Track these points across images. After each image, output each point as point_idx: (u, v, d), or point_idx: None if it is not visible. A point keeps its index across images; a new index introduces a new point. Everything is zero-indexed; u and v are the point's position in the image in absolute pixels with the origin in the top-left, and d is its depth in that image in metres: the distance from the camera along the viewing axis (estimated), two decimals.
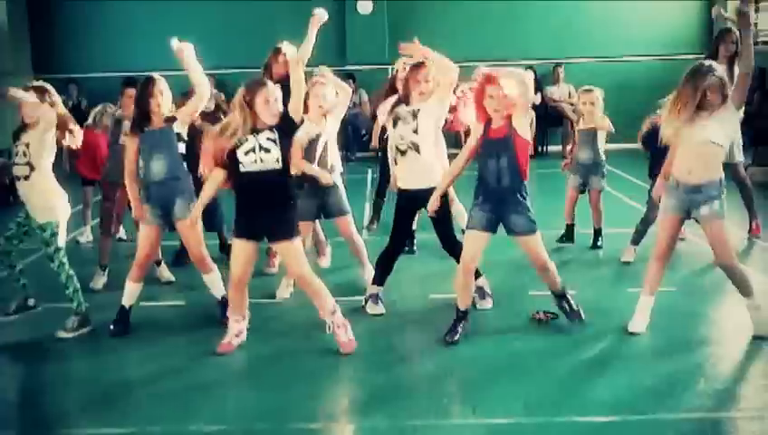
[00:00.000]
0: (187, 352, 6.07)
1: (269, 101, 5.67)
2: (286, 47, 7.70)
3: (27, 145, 6.25)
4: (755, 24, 15.19)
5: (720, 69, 5.84)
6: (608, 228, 8.79)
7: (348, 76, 15.27)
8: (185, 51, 6.19)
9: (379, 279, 6.85)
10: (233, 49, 15.55)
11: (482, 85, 5.89)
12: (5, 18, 15.96)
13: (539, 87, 15.33)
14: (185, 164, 6.47)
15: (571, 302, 6.25)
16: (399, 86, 7.00)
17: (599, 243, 8.71)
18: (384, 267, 6.83)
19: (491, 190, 5.92)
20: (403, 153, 6.62)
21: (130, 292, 6.44)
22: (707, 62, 5.90)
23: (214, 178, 5.88)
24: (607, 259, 8.33)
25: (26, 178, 6.27)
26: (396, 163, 6.74)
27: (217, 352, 5.91)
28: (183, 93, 7.92)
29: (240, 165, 5.70)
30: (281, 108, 5.73)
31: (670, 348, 5.90)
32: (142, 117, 6.35)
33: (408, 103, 6.60)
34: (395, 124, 6.64)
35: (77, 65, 16.30)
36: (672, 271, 6.72)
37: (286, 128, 5.75)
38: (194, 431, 4.86)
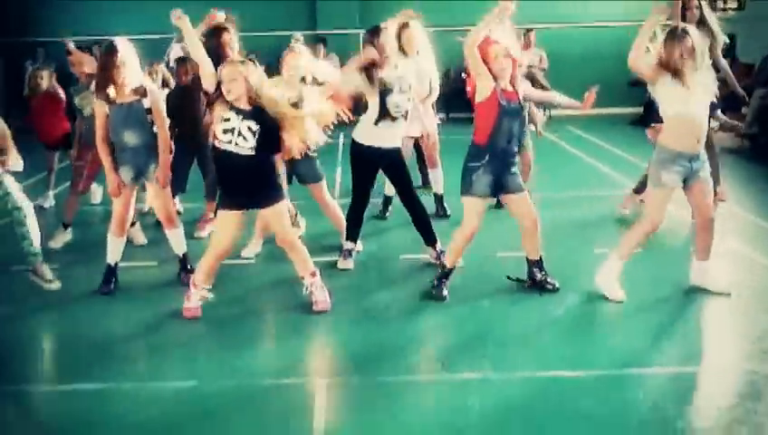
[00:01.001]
0: (159, 311, 6.14)
1: (226, 82, 5.70)
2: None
3: None
4: None
5: (695, 33, 5.85)
6: (577, 191, 8.91)
7: (319, 41, 15.28)
8: (184, 25, 6.04)
9: (350, 234, 7.02)
10: (203, 13, 15.44)
11: (484, 50, 5.92)
12: None
13: None
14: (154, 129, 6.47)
15: (545, 272, 6.34)
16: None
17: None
18: (352, 222, 7.01)
19: (500, 152, 6.01)
20: (394, 119, 6.74)
21: (114, 247, 6.54)
22: (682, 25, 5.97)
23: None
24: (573, 221, 8.43)
25: None
26: (376, 125, 6.76)
27: (185, 316, 5.98)
28: (182, 58, 7.92)
29: (216, 139, 5.77)
30: (238, 90, 5.67)
31: (634, 308, 6.02)
32: (107, 87, 6.24)
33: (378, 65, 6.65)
34: (387, 93, 6.68)
35: (46, 28, 16.12)
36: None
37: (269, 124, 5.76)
38: (165, 388, 4.94)
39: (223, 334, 5.79)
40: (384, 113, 6.71)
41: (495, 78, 5.92)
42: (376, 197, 7.71)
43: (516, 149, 6.13)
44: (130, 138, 6.34)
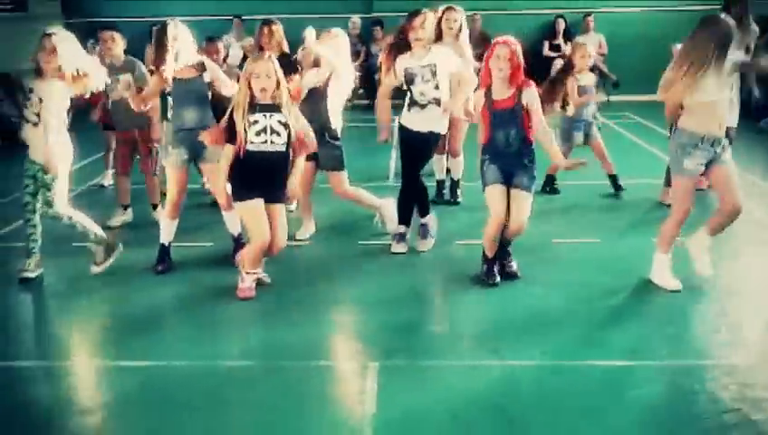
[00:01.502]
0: (212, 291, 6.21)
1: (259, 78, 5.78)
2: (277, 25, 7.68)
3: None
4: None
5: (731, 23, 5.74)
6: (636, 179, 8.84)
7: (375, 23, 15.28)
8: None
9: (402, 219, 7.03)
10: None
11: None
12: None
13: (568, 37, 15.25)
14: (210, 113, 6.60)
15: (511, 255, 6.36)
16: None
17: (620, 191, 8.79)
18: (404, 207, 7.03)
19: (501, 151, 6.11)
20: (423, 107, 6.77)
21: (167, 228, 6.67)
22: (721, 15, 5.87)
23: (226, 156, 5.95)
24: (629, 207, 8.35)
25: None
26: (409, 111, 6.85)
27: (239, 296, 6.04)
28: (209, 38, 7.97)
29: (249, 143, 5.84)
30: (272, 85, 5.81)
31: (684, 298, 5.95)
32: (161, 62, 6.33)
33: (407, 49, 6.73)
34: (412, 82, 6.74)
35: (108, 8, 16.29)
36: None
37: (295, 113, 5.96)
38: (218, 367, 5.01)
39: (274, 315, 5.82)
40: (413, 100, 6.79)
41: (491, 83, 6.03)
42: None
43: (521, 148, 6.07)
44: (190, 116, 6.44)
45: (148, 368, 5.00)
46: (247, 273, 6.07)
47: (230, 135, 5.89)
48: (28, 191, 6.35)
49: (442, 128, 6.99)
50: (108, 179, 9.64)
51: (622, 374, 4.81)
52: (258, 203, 5.93)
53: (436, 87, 6.72)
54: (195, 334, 5.54)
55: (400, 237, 7.02)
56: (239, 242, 6.71)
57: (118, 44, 7.80)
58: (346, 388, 4.76)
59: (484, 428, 4.23)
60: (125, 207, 8.11)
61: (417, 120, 6.81)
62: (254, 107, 5.84)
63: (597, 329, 5.47)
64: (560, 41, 15.59)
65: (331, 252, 7.01)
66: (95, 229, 6.55)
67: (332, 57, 6.93)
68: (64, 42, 6.17)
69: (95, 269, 6.53)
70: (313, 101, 6.94)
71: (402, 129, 6.94)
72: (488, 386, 4.70)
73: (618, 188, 8.77)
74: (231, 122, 5.87)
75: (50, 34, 6.16)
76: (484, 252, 6.25)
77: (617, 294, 6.02)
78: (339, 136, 7.18)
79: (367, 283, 6.38)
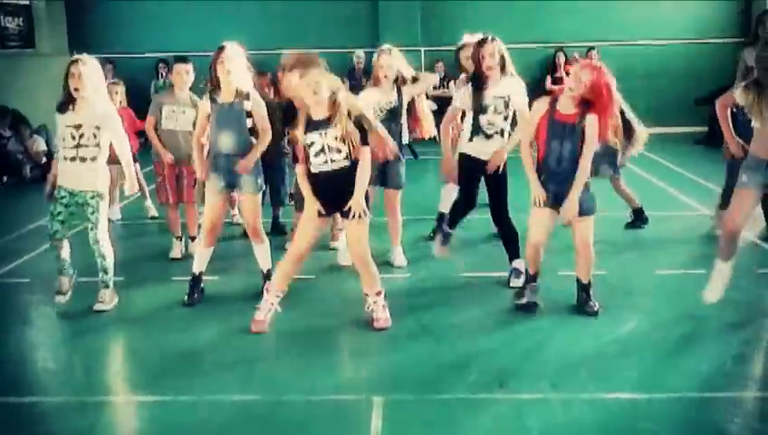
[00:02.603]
0: (232, 325, 6.17)
1: (310, 89, 5.69)
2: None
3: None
4: None
5: None
6: (648, 212, 8.88)
7: None
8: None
9: (450, 223, 7.17)
10: (267, 31, 15.68)
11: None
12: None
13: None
14: (252, 138, 6.52)
15: (591, 295, 6.28)
16: (380, 74, 7.14)
17: (642, 222, 8.75)
18: (454, 215, 7.15)
19: (551, 169, 6.07)
20: (489, 137, 6.79)
21: (201, 257, 6.64)
22: None
23: (301, 176, 5.92)
24: (636, 241, 8.35)
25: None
26: (471, 141, 6.85)
27: (252, 330, 6.01)
28: (260, 71, 8.00)
29: (311, 165, 5.80)
30: (324, 97, 5.69)
31: (693, 329, 5.95)
32: (213, 85, 6.41)
33: (482, 80, 6.71)
34: (483, 111, 6.73)
35: (112, 45, 16.44)
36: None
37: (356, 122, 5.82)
38: (224, 401, 4.97)
39: (285, 349, 5.82)
40: (477, 130, 6.78)
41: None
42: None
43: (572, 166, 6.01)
44: (227, 140, 6.37)
45: (158, 403, 4.97)
46: (268, 291, 6.06)
47: (294, 155, 5.93)
48: (59, 219, 6.35)
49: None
50: (116, 214, 9.65)
51: (628, 407, 4.77)
52: (314, 219, 5.90)
53: (505, 118, 6.78)
54: (204, 369, 5.48)
55: (446, 238, 7.19)
56: (268, 276, 6.58)
57: (191, 78, 7.79)
58: (352, 423, 4.69)
59: None
60: (180, 238, 8.11)
61: (482, 149, 6.84)
62: (308, 126, 5.75)
63: (606, 362, 5.42)
64: (561, 74, 15.69)
65: (344, 285, 7.03)
66: (112, 270, 6.54)
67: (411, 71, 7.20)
68: (92, 68, 6.27)
69: (99, 307, 6.48)
70: (387, 122, 6.98)
71: (461, 154, 6.97)
72: (497, 421, 4.67)
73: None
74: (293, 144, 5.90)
75: (77, 60, 6.24)
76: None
77: (621, 326, 6.01)
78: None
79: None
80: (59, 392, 5.26)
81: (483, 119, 6.75)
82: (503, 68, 6.75)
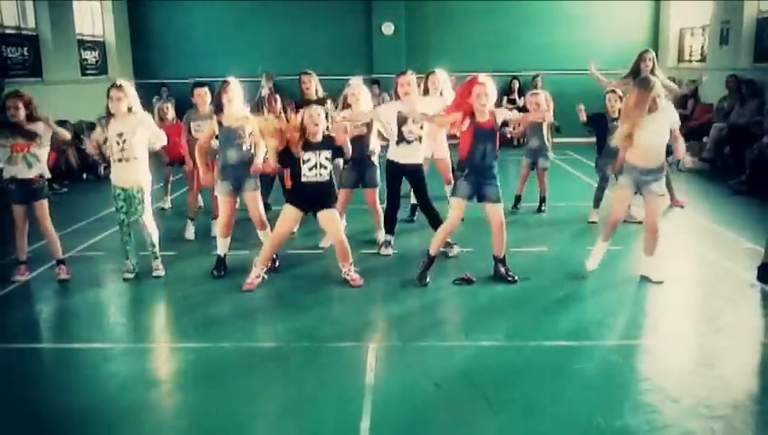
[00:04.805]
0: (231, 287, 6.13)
1: (311, 120, 5.87)
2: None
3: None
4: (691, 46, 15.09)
5: (658, 83, 5.88)
6: (574, 202, 8.83)
7: (374, 82, 15.33)
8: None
9: (388, 229, 7.11)
10: (284, 61, 15.65)
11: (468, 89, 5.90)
12: (112, 36, 16.08)
13: (521, 92, 15.27)
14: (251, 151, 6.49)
15: (507, 267, 6.22)
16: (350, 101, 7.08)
17: (543, 208, 8.79)
18: (389, 220, 7.09)
19: (475, 166, 5.96)
20: (409, 142, 6.79)
21: (221, 244, 6.62)
22: (651, 77, 5.96)
23: (272, 149, 5.98)
24: (567, 221, 8.31)
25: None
26: (397, 146, 6.84)
27: (243, 289, 6.04)
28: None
29: (303, 175, 5.92)
30: (321, 126, 5.88)
31: (612, 290, 5.96)
32: (218, 109, 6.40)
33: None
34: (405, 123, 6.74)
35: (167, 72, 16.38)
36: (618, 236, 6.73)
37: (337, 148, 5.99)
38: (252, 348, 4.99)
39: (297, 306, 5.77)
40: (401, 137, 6.80)
41: (474, 112, 5.87)
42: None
43: (491, 164, 5.97)
44: (232, 155, 6.37)
45: (200, 348, 4.98)
46: (255, 266, 6.12)
47: (285, 161, 6.02)
48: (123, 211, 6.37)
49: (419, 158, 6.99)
50: (168, 203, 9.61)
51: (564, 352, 4.78)
52: (293, 209, 6.01)
53: (422, 127, 6.78)
54: (224, 321, 5.47)
55: (388, 243, 7.12)
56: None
57: (209, 98, 7.79)
58: (351, 364, 4.70)
59: (459, 393, 4.22)
60: (192, 219, 8.04)
61: (405, 154, 6.86)
62: (306, 146, 5.88)
63: (546, 317, 5.43)
64: (515, 96, 15.67)
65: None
66: (158, 245, 6.55)
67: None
68: (126, 90, 6.27)
69: (128, 276, 6.48)
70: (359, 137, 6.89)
71: (388, 161, 7.00)
72: (463, 362, 4.68)
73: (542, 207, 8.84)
74: (287, 154, 5.95)
75: (114, 86, 6.27)
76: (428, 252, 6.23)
77: (556, 288, 6.00)
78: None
79: (365, 281, 6.26)
80: (125, 340, 5.26)
81: (404, 128, 6.77)
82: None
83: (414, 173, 6.92)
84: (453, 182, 8.13)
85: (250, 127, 6.32)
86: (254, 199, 6.48)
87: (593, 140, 8.32)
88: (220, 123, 6.38)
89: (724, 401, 4.05)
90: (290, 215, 6.05)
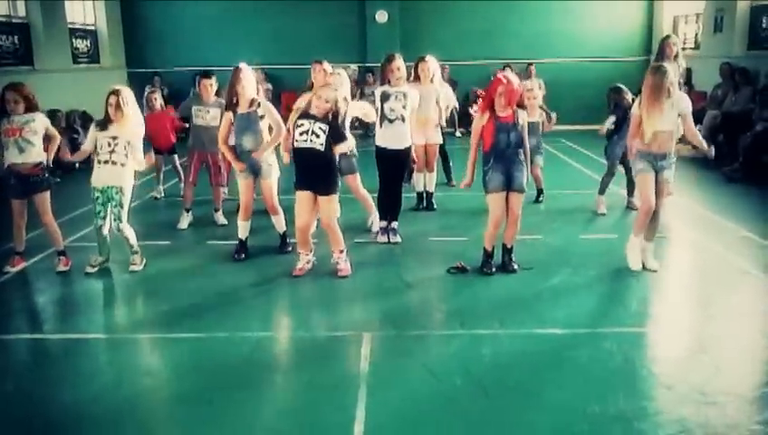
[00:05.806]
0: (251, 276, 6.15)
1: (320, 98, 5.85)
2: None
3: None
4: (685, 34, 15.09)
5: (671, 70, 5.85)
6: (568, 190, 8.83)
7: (368, 71, 15.29)
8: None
9: (389, 216, 7.10)
10: (279, 49, 15.61)
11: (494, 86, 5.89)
12: (104, 24, 15.97)
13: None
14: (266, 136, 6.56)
15: (511, 257, 6.20)
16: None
17: (540, 199, 8.73)
18: (382, 206, 7.11)
19: (500, 156, 5.91)
20: (391, 121, 6.88)
21: (242, 228, 6.68)
22: (664, 65, 5.90)
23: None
24: (561, 210, 8.31)
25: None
26: (381, 127, 6.94)
27: (294, 274, 6.09)
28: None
29: (295, 141, 5.88)
30: (327, 105, 5.85)
31: (606, 278, 5.97)
32: (232, 99, 6.44)
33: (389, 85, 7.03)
34: (386, 100, 6.91)
35: (160, 61, 16.28)
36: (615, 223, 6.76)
37: (334, 125, 5.92)
38: (247, 337, 4.96)
39: (291, 296, 5.79)
40: (383, 117, 6.91)
41: (495, 108, 5.86)
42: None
43: (516, 151, 5.92)
44: (248, 141, 6.45)
45: (194, 338, 4.96)
46: (299, 253, 6.14)
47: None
48: (101, 216, 6.30)
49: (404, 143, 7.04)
50: (160, 192, 9.57)
51: (558, 340, 4.79)
52: (303, 193, 5.97)
53: (404, 107, 6.96)
54: (227, 311, 5.46)
55: (383, 231, 7.11)
56: (284, 237, 6.82)
57: (214, 88, 7.85)
58: (346, 353, 4.70)
59: (454, 382, 4.22)
60: (188, 211, 8.01)
61: (389, 138, 6.97)
62: (303, 115, 5.90)
63: (540, 305, 5.44)
64: None
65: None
66: (135, 243, 6.47)
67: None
68: (126, 96, 6.24)
69: (90, 271, 6.41)
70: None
71: (376, 147, 7.12)
72: (458, 351, 4.68)
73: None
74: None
75: (114, 91, 6.21)
76: (484, 247, 6.19)
77: (555, 277, 5.99)
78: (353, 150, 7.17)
79: (361, 270, 6.28)
80: (115, 330, 5.24)
81: (386, 105, 6.94)
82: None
83: (399, 157, 6.97)
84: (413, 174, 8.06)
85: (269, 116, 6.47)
86: (267, 187, 6.58)
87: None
88: (234, 111, 6.41)
89: (718, 388, 4.07)
90: (301, 198, 5.98)
